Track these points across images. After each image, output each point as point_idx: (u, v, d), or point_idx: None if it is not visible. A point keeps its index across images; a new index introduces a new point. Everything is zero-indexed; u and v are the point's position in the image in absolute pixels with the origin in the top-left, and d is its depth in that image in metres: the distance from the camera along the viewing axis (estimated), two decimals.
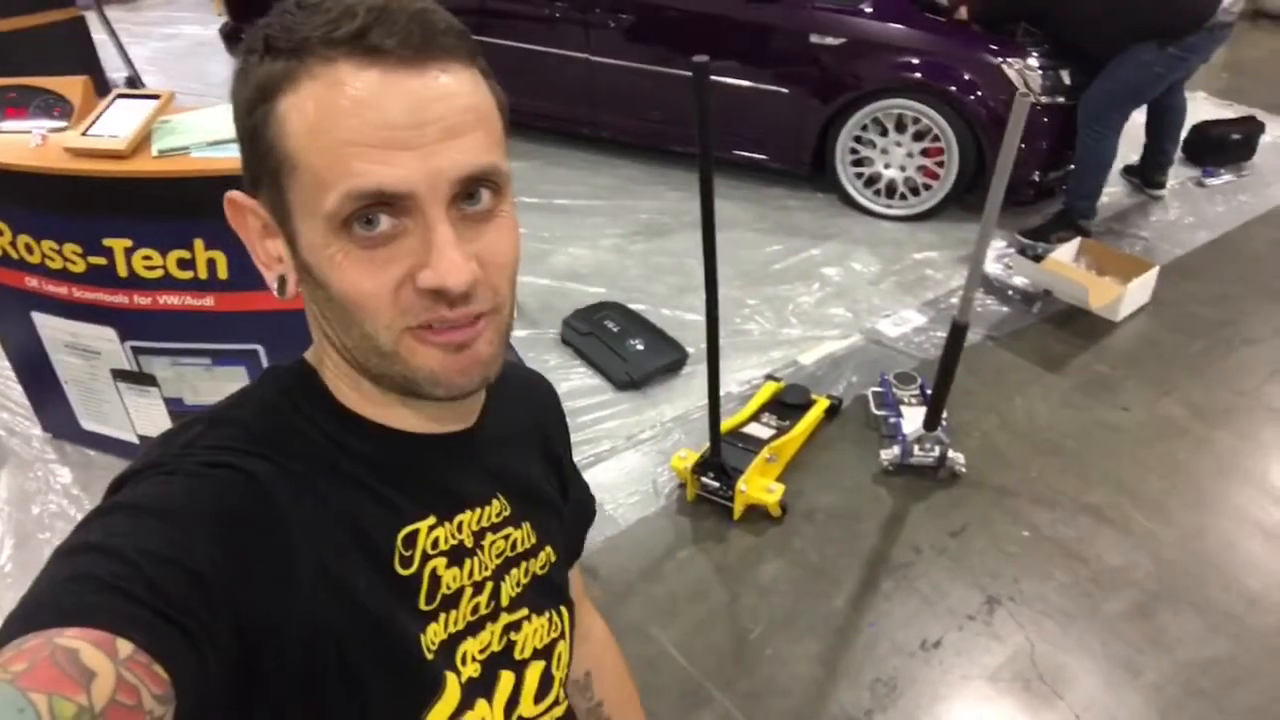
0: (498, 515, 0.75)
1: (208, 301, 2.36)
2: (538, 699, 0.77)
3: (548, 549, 0.80)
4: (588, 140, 4.67)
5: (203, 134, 2.30)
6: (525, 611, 0.76)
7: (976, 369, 3.18)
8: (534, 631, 0.77)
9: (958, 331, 2.43)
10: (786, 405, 2.90)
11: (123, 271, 2.34)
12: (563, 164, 4.60)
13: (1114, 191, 4.24)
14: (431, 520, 0.69)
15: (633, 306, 3.42)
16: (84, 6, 4.68)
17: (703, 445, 2.64)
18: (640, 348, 3.16)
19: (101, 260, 2.33)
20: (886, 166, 4.01)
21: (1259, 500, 2.68)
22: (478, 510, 0.73)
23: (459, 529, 0.71)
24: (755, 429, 2.80)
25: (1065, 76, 3.76)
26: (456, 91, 0.57)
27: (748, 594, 2.41)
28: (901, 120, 3.87)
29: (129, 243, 2.31)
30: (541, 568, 0.79)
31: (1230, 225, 4.04)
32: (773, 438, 2.74)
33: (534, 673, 0.77)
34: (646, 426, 2.95)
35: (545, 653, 0.78)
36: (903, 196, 4.03)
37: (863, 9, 3.81)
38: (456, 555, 0.70)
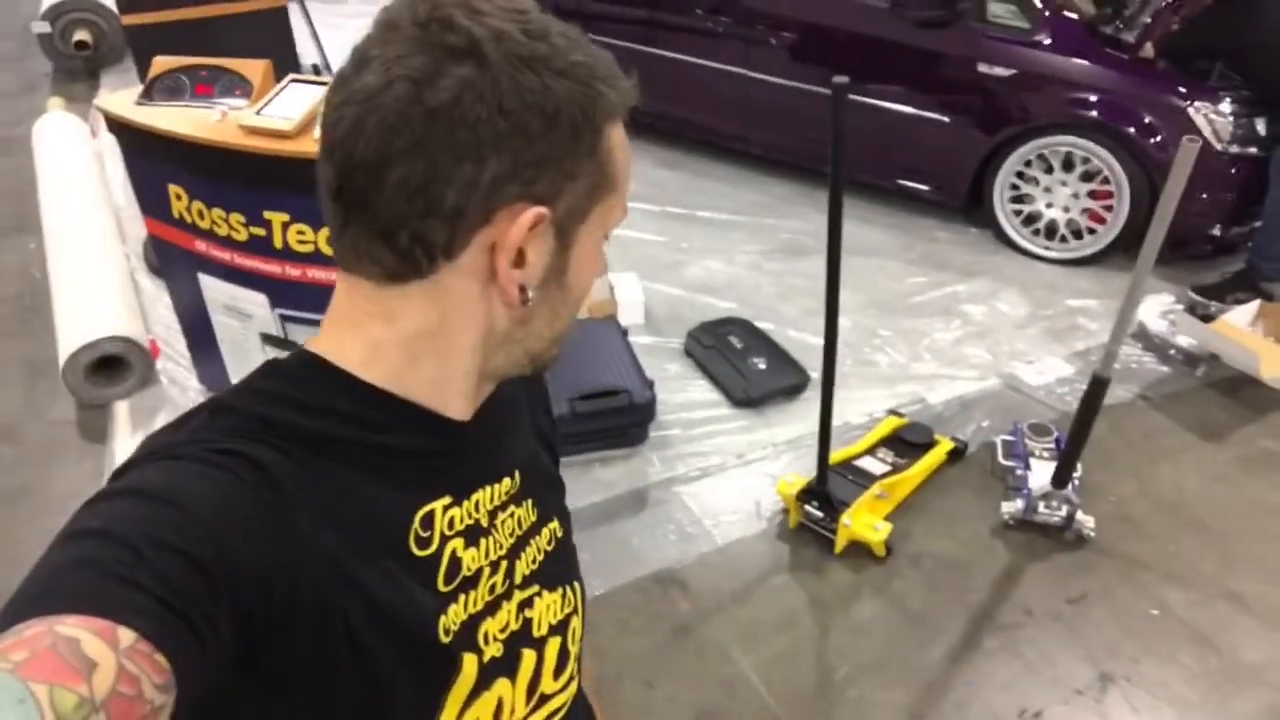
0: (507, 493, 0.75)
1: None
2: (556, 674, 0.77)
3: (552, 524, 0.80)
4: (738, 155, 4.66)
5: None
6: (537, 588, 0.76)
7: (1122, 429, 2.97)
8: (547, 608, 0.77)
9: (1097, 385, 2.28)
10: (906, 443, 2.80)
11: (278, 243, 2.50)
12: (710, 176, 4.60)
13: None
14: (448, 500, 0.69)
15: (760, 325, 3.38)
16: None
17: (813, 473, 2.58)
18: (762, 367, 3.12)
19: (261, 231, 2.50)
20: (1049, 206, 3.80)
21: None
22: (490, 488, 0.73)
23: (475, 508, 0.71)
24: (869, 463, 2.71)
25: (1260, 126, 3.46)
26: None
27: (839, 631, 2.33)
28: (1070, 159, 3.66)
29: (286, 217, 2.47)
30: (548, 543, 0.79)
31: None
32: (886, 474, 2.65)
33: (552, 648, 0.77)
34: (758, 447, 2.91)
35: (560, 628, 0.78)
36: (1063, 239, 3.81)
37: (1039, 40, 3.63)
38: (473, 535, 0.71)
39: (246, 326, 2.76)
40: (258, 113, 2.44)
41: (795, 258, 3.89)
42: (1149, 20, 3.56)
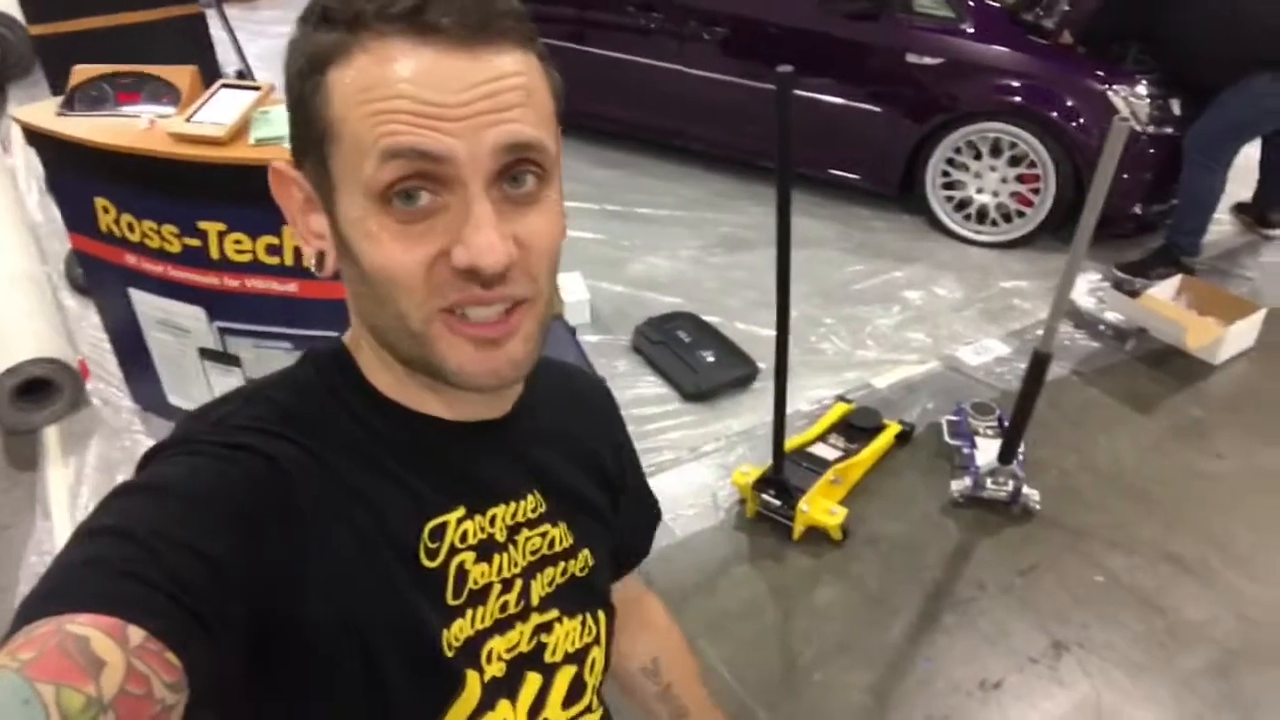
0: (533, 511, 0.73)
1: (291, 288, 2.44)
2: (566, 704, 0.75)
3: (586, 551, 0.77)
4: (676, 151, 4.68)
5: None
6: (556, 613, 0.74)
7: (1060, 404, 3.06)
8: (565, 635, 0.75)
9: (1039, 361, 2.35)
10: (856, 428, 2.84)
11: (215, 254, 2.43)
12: (649, 174, 4.61)
13: (1222, 230, 4.04)
14: (461, 512, 0.67)
15: (707, 319, 3.40)
16: (205, 4, 4.93)
17: (767, 462, 2.61)
18: (711, 360, 3.14)
19: (196, 242, 2.43)
20: (979, 191, 3.90)
21: None
22: (512, 504, 0.71)
23: (491, 522, 0.69)
24: (822, 449, 2.75)
25: (1175, 106, 3.61)
26: (509, 72, 0.56)
27: (801, 616, 2.36)
28: (997, 144, 3.77)
29: (222, 226, 2.40)
30: (581, 570, 0.77)
31: None
32: (839, 459, 2.69)
33: (564, 677, 0.74)
34: (711, 439, 2.93)
35: (577, 657, 0.76)
36: (994, 223, 3.92)
37: (963, 29, 3.72)
38: (485, 550, 0.69)
39: (183, 342, 2.68)
40: (188, 120, 2.36)
41: (737, 251, 3.93)
42: (1067, 7, 3.68)
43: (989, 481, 2.61)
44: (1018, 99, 3.68)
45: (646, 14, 4.31)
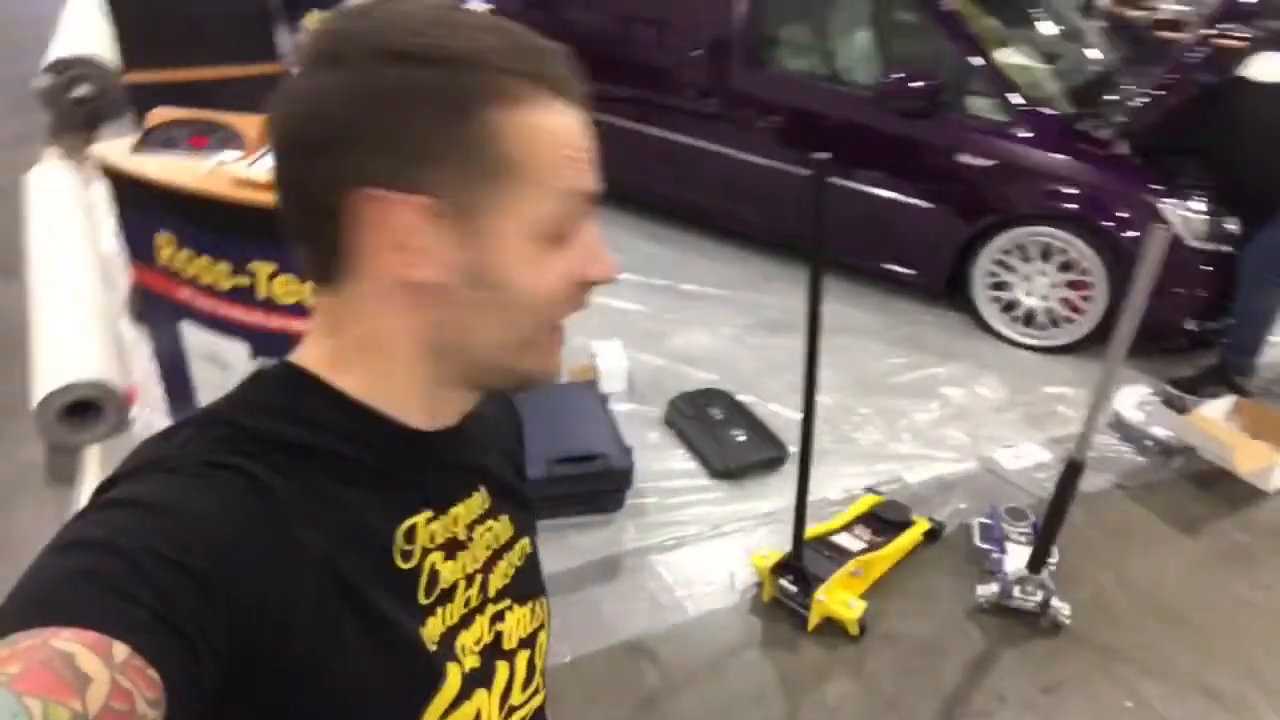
0: (481, 507, 0.76)
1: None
2: (524, 687, 0.78)
3: (524, 541, 0.82)
4: (724, 232, 4.73)
5: None
6: (508, 602, 0.77)
7: (1100, 517, 2.96)
8: (517, 622, 0.78)
9: (1073, 468, 2.29)
10: (883, 520, 2.78)
11: (262, 293, 2.51)
12: (697, 251, 4.66)
13: (1278, 353, 3.93)
14: (428, 514, 0.70)
15: (741, 398, 3.39)
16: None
17: (788, 547, 2.55)
18: (741, 439, 3.11)
19: (245, 280, 2.51)
20: (1027, 294, 3.87)
21: None
22: (466, 502, 0.74)
23: (454, 522, 0.72)
24: (845, 539, 2.69)
25: (1233, 224, 3.56)
26: None
27: (810, 710, 2.28)
28: (1048, 249, 3.74)
29: (273, 267, 2.48)
30: (521, 559, 0.80)
31: None
32: (862, 551, 2.62)
33: (521, 661, 0.78)
34: (734, 519, 2.88)
35: (529, 642, 0.80)
36: (1042, 327, 3.87)
37: (1015, 133, 3.74)
38: (451, 549, 0.72)
39: (225, 375, 2.74)
40: (250, 165, 2.47)
41: (778, 333, 3.92)
42: (1124, 118, 3.68)
43: (1017, 590, 2.51)
44: (1070, 205, 3.66)
45: (706, 99, 4.42)
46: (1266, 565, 2.82)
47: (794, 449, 3.09)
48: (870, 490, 2.97)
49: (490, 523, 0.77)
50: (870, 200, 4.02)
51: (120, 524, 0.54)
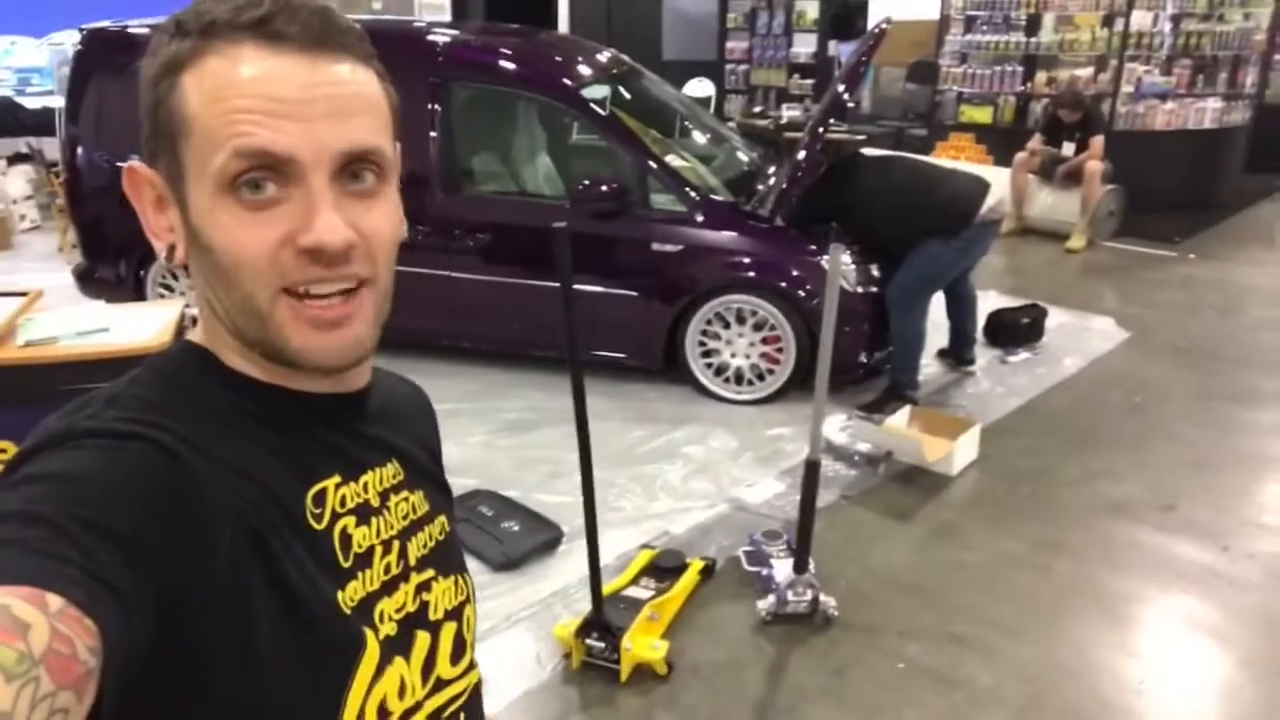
0: (394, 478, 0.78)
1: None
2: (454, 660, 0.79)
3: (442, 518, 0.83)
4: (449, 350, 4.84)
5: (72, 325, 2.34)
6: (432, 572, 0.79)
7: (836, 525, 3.38)
8: (443, 592, 0.80)
9: (812, 468, 2.64)
10: (663, 569, 2.98)
11: None
12: (425, 373, 4.50)
13: (932, 371, 4.73)
14: (337, 479, 0.72)
15: (505, 494, 3.48)
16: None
17: (584, 615, 2.66)
18: (515, 529, 3.20)
19: None
20: (733, 356, 4.36)
21: (1098, 615, 2.90)
22: (377, 470, 0.76)
23: (364, 488, 0.74)
24: (635, 591, 2.84)
25: (874, 270, 4.31)
26: (348, 79, 0.65)
27: None
28: (741, 313, 4.27)
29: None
30: (441, 534, 0.82)
31: (1034, 393, 4.55)
32: (653, 598, 2.79)
33: (448, 634, 0.79)
34: (525, 604, 2.94)
35: (456, 614, 0.81)
36: (749, 383, 4.37)
37: (696, 219, 4.29)
38: (364, 514, 0.73)
39: None
40: None
41: (524, 432, 4.08)
42: (775, 199, 4.36)
43: (790, 594, 2.80)
44: (750, 274, 4.24)
45: (415, 228, 4.59)
46: (967, 531, 3.36)
47: (567, 527, 3.24)
48: (645, 546, 3.17)
49: (406, 494, 0.78)
50: (581, 297, 4.34)
51: (37, 495, 0.55)
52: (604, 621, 2.57)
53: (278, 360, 0.68)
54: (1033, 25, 8.39)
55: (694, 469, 3.79)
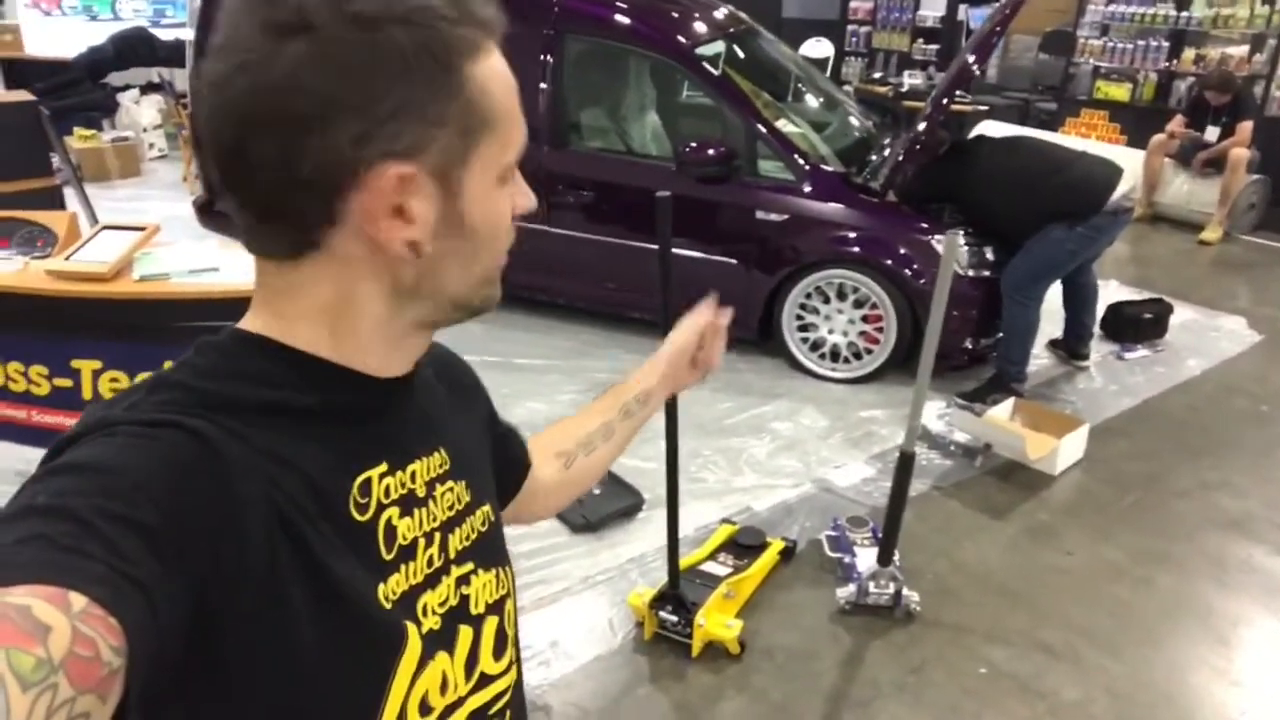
0: (440, 467, 0.76)
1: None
2: (496, 655, 0.78)
3: (485, 507, 0.81)
4: (545, 305, 4.86)
5: (184, 263, 2.41)
6: (471, 565, 0.77)
7: (925, 517, 3.26)
8: (483, 586, 0.78)
9: (905, 460, 2.54)
10: (742, 546, 2.93)
11: (88, 393, 2.36)
12: (520, 327, 4.75)
13: (1042, 363, 4.51)
14: (384, 467, 0.70)
15: None
16: (64, 180, 4.90)
17: (660, 585, 2.64)
18: (596, 492, 3.19)
19: (68, 382, 2.36)
20: (830, 332, 4.24)
21: (1202, 636, 2.73)
22: (425, 460, 0.74)
23: (411, 478, 0.72)
24: (712, 567, 2.81)
25: (989, 253, 4.10)
26: None
27: None
28: (843, 289, 4.14)
29: (98, 364, 2.35)
30: (482, 524, 0.80)
31: (1150, 393, 4.30)
32: (730, 575, 2.75)
33: (489, 628, 0.77)
34: (602, 568, 2.94)
35: (497, 608, 0.79)
36: (846, 360, 4.25)
37: (803, 190, 4.16)
38: (408, 504, 0.71)
39: None
40: (67, 258, 2.35)
41: None
42: (889, 172, 4.19)
43: (872, 585, 2.72)
44: (856, 249, 4.10)
45: None
46: (1066, 535, 3.20)
47: (648, 495, 3.22)
48: (726, 521, 3.12)
49: (451, 484, 0.76)
50: (680, 261, 4.28)
51: (65, 488, 0.54)
52: (679, 595, 2.55)
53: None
54: None
55: (781, 445, 3.71)
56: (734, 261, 4.29)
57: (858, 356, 4.23)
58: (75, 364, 2.34)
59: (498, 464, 0.91)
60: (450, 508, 0.76)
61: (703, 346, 1.17)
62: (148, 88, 8.53)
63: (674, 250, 4.27)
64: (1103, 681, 2.53)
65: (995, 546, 3.15)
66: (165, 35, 8.69)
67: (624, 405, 1.13)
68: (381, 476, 0.69)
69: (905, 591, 2.73)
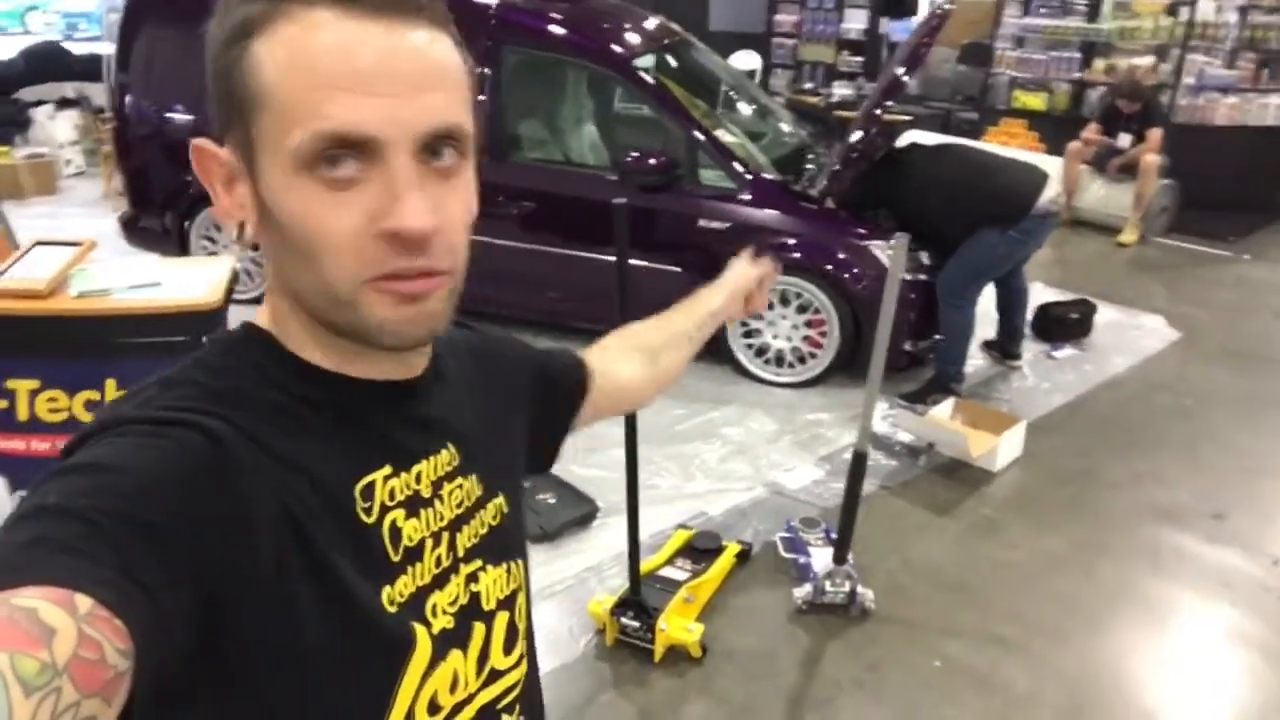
0: (448, 464, 0.75)
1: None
2: (506, 650, 0.77)
3: (499, 499, 0.80)
4: (484, 318, 4.81)
5: (124, 278, 2.33)
6: (480, 562, 0.76)
7: (874, 516, 3.32)
8: (493, 582, 0.77)
9: (859, 459, 2.59)
10: (699, 550, 2.95)
11: (23, 414, 2.27)
12: None
13: (977, 364, 4.64)
14: (387, 470, 0.69)
15: None
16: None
17: (617, 593, 2.64)
18: (552, 501, 3.18)
19: (3, 403, 2.26)
20: (774, 338, 4.30)
21: (1143, 622, 2.85)
22: (432, 460, 0.73)
23: (416, 479, 0.71)
24: (671, 572, 2.82)
25: (924, 257, 4.21)
26: (428, 49, 0.61)
27: None
28: (785, 295, 4.20)
29: (35, 383, 2.26)
30: (493, 518, 0.79)
31: (1080, 390, 4.45)
32: (689, 580, 2.77)
33: (500, 623, 0.77)
34: (559, 578, 2.93)
35: (508, 603, 0.79)
36: (791, 365, 4.31)
37: (744, 198, 4.22)
38: (414, 506, 0.71)
39: None
40: (0, 275, 2.25)
41: None
42: (826, 181, 4.27)
43: (828, 584, 2.76)
44: (797, 255, 4.17)
45: None
46: (1010, 530, 3.30)
47: (602, 504, 3.22)
48: (681, 526, 3.14)
49: (460, 480, 0.76)
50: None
51: (74, 488, 0.54)
52: (640, 601, 2.55)
53: (353, 337, 0.65)
54: (1093, 10, 8.15)
55: (731, 450, 3.75)
56: (678, 269, 4.32)
57: (802, 361, 4.29)
58: (10, 384, 2.24)
59: (544, 392, 0.94)
60: (459, 505, 0.75)
61: (751, 296, 1.26)
62: (63, 103, 8.23)
63: (615, 260, 4.29)
64: (1053, 670, 2.61)
65: (943, 543, 3.22)
66: (79, 49, 8.39)
67: (698, 319, 1.20)
68: (385, 479, 0.69)
69: (860, 590, 2.78)
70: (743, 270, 1.26)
